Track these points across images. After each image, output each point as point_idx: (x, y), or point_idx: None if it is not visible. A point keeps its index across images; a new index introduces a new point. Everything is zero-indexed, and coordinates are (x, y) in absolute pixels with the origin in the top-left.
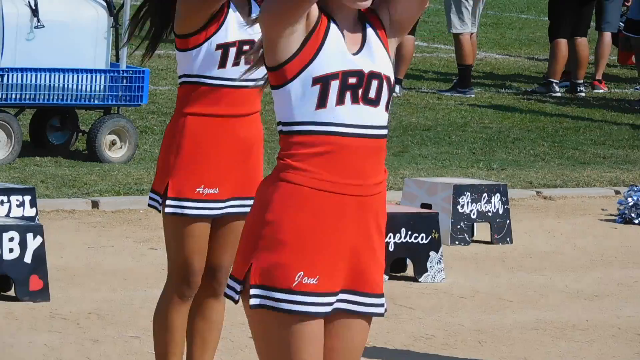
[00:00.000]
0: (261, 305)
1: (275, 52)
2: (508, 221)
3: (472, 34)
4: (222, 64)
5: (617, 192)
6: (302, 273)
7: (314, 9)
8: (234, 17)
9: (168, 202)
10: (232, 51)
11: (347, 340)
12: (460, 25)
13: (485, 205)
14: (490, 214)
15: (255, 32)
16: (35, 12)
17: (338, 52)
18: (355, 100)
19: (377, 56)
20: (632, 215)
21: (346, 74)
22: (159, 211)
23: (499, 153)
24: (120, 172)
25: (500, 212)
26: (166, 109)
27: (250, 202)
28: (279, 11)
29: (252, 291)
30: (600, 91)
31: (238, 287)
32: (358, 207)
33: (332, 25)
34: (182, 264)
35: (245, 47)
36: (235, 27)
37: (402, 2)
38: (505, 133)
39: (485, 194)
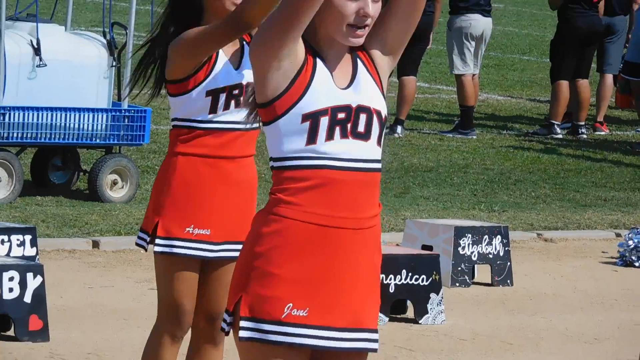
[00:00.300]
0: (250, 338)
1: (265, 88)
2: (509, 263)
3: (474, 75)
4: (213, 110)
5: (618, 235)
6: (291, 305)
7: (301, 48)
8: (223, 62)
9: (157, 241)
10: (222, 97)
11: None
12: (463, 66)
13: (486, 247)
14: (491, 256)
15: (244, 78)
16: (37, 50)
17: (326, 88)
18: (344, 134)
19: (366, 90)
20: (633, 258)
21: (335, 110)
22: (146, 250)
23: (500, 195)
24: (121, 212)
25: (501, 254)
26: (168, 148)
27: (237, 246)
28: (265, 41)
29: (242, 323)
30: (602, 133)
31: (228, 319)
32: (351, 241)
33: (319, 63)
34: (172, 305)
35: (235, 92)
36: (224, 73)
37: (391, 31)
38: (507, 175)
39: (486, 236)
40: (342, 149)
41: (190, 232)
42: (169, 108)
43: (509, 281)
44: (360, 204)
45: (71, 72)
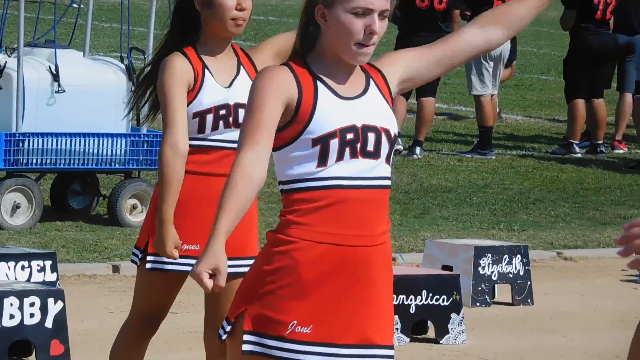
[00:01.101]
0: (253, 352)
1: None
2: (529, 282)
3: (492, 95)
4: (201, 130)
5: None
6: (295, 322)
7: (292, 85)
8: (209, 83)
9: (148, 257)
10: (209, 117)
11: None
12: (481, 87)
13: (507, 266)
14: (511, 276)
15: (230, 96)
16: (56, 76)
17: (333, 110)
18: (354, 154)
19: (374, 107)
20: None
21: (343, 131)
22: (138, 266)
23: (519, 214)
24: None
25: (521, 273)
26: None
27: (240, 262)
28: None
29: (245, 337)
30: (621, 151)
31: (227, 328)
32: (362, 258)
33: (320, 85)
34: (151, 312)
35: (222, 112)
36: (210, 94)
37: (427, 70)
38: (526, 194)
39: (506, 255)
40: (352, 168)
41: (186, 247)
42: None
43: (529, 300)
44: (371, 221)
45: (90, 98)
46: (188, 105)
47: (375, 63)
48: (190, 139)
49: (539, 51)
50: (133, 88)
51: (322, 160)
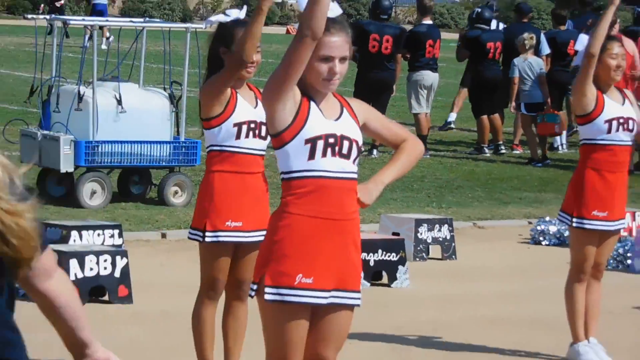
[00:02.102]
0: (273, 300)
1: (275, 123)
2: (453, 244)
3: (426, 113)
4: (238, 137)
5: (530, 222)
6: (301, 275)
7: (297, 93)
8: (242, 103)
9: (207, 234)
10: (244, 127)
11: (337, 324)
12: (418, 107)
13: (437, 233)
14: (440, 239)
15: (258, 115)
16: (119, 102)
17: (320, 120)
18: (333, 154)
19: (348, 126)
20: (541, 239)
21: (327, 136)
22: (200, 242)
23: (446, 196)
24: (181, 213)
25: (448, 237)
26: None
27: (263, 232)
28: (272, 91)
29: (267, 290)
30: (517, 152)
31: (254, 287)
32: (339, 229)
33: (312, 103)
34: (211, 279)
35: (252, 125)
36: (244, 111)
37: (372, 129)
38: (451, 182)
39: (437, 225)
40: (332, 164)
41: (229, 225)
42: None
43: (454, 257)
44: (345, 202)
45: (144, 116)
46: (229, 117)
47: (350, 100)
48: (229, 146)
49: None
50: (173, 110)
51: (312, 155)
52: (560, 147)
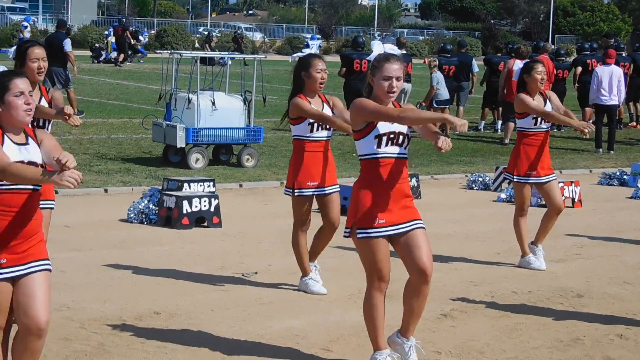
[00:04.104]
0: (362, 237)
1: (355, 125)
2: (419, 190)
3: None
4: (311, 130)
5: (466, 176)
6: (377, 217)
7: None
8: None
9: (295, 192)
10: (315, 125)
11: (416, 239)
12: None
13: (410, 182)
14: (412, 186)
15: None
16: (213, 103)
17: (385, 123)
18: (393, 144)
19: (402, 125)
20: (473, 186)
21: (390, 133)
22: (290, 196)
23: (414, 160)
24: (251, 171)
25: (416, 185)
26: (269, 145)
27: (332, 187)
28: (357, 120)
29: (358, 232)
30: (456, 132)
31: (349, 231)
32: (398, 189)
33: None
34: (301, 218)
35: (320, 122)
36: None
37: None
38: (417, 151)
39: (409, 177)
40: (392, 149)
41: (310, 184)
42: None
43: (419, 197)
44: (399, 172)
45: (228, 112)
46: (305, 119)
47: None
48: (307, 136)
49: (420, 89)
50: (245, 108)
51: (379, 145)
52: (481, 129)
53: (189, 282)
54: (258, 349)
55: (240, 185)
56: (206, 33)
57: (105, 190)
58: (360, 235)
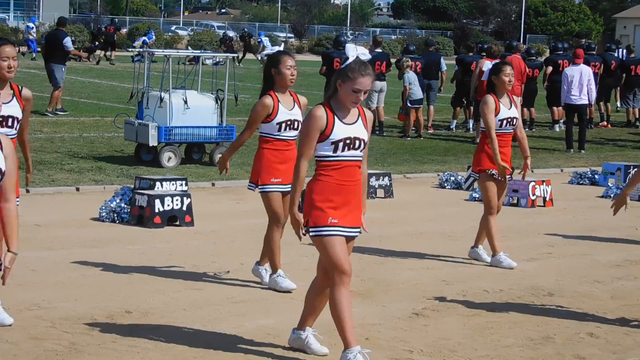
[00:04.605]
0: (315, 235)
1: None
2: (391, 188)
3: (377, 107)
4: (279, 130)
5: (438, 175)
6: (330, 217)
7: (323, 122)
8: (282, 109)
9: (259, 187)
10: (284, 124)
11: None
12: (372, 104)
13: (382, 181)
14: (384, 185)
15: (293, 115)
16: (185, 102)
17: (341, 129)
18: (349, 149)
19: (360, 129)
20: (445, 185)
21: (346, 139)
22: (253, 190)
23: (387, 159)
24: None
25: (388, 184)
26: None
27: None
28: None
29: (311, 229)
30: (430, 132)
31: (304, 227)
32: (352, 189)
33: (336, 117)
34: (274, 213)
35: (289, 122)
36: (284, 114)
37: None
38: (390, 151)
39: (381, 177)
40: (348, 154)
41: (274, 180)
42: (243, 125)
43: (392, 196)
44: (354, 173)
45: (200, 111)
46: (275, 118)
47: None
48: (273, 134)
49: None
50: (217, 107)
51: (335, 150)
52: (453, 129)
53: (161, 281)
54: (231, 347)
55: (213, 184)
56: (222, 33)
57: (77, 189)
58: (312, 233)
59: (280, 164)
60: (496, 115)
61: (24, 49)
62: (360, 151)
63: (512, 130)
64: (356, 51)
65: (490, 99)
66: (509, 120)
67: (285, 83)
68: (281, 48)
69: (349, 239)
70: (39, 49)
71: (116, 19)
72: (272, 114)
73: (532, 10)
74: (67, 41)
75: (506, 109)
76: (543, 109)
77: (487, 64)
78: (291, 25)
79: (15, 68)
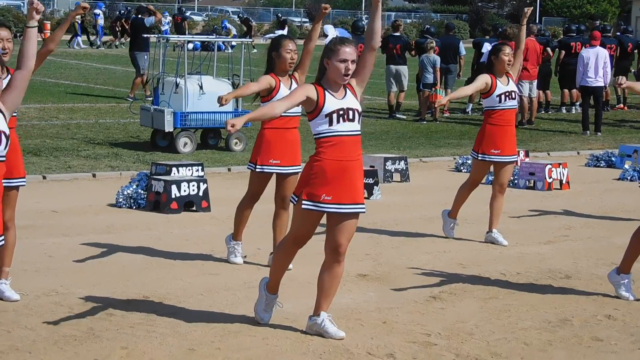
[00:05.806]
0: (307, 208)
1: (306, 108)
2: (407, 172)
3: (395, 92)
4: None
5: (454, 158)
6: (324, 194)
7: (312, 92)
8: (282, 87)
9: (257, 167)
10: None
11: (349, 224)
12: (391, 87)
13: (398, 165)
14: (400, 169)
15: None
16: (201, 87)
17: (333, 101)
18: (344, 120)
19: (351, 100)
20: (461, 168)
21: (339, 110)
22: (252, 171)
23: (403, 143)
24: (239, 155)
25: (404, 168)
26: (257, 129)
27: (293, 167)
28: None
29: (303, 201)
30: (445, 115)
31: (295, 198)
32: (350, 167)
33: (326, 92)
34: (254, 194)
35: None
36: (283, 93)
37: (361, 74)
38: (406, 134)
39: (397, 160)
40: (344, 126)
41: (272, 161)
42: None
43: (408, 180)
44: (353, 151)
45: (216, 96)
46: (273, 97)
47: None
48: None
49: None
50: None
51: (330, 123)
52: (469, 112)
53: (178, 266)
54: (249, 332)
55: (229, 169)
56: (239, 18)
57: (94, 175)
58: (305, 206)
59: (280, 144)
60: (492, 92)
61: (92, 37)
62: (357, 123)
63: (513, 106)
64: (335, 31)
65: (482, 75)
66: (507, 94)
67: (285, 66)
68: (285, 32)
69: (349, 215)
70: (105, 36)
71: (129, 7)
72: (273, 92)
73: None
74: (147, 21)
75: (503, 85)
76: (559, 92)
77: (486, 46)
78: (306, 9)
79: (11, 50)
